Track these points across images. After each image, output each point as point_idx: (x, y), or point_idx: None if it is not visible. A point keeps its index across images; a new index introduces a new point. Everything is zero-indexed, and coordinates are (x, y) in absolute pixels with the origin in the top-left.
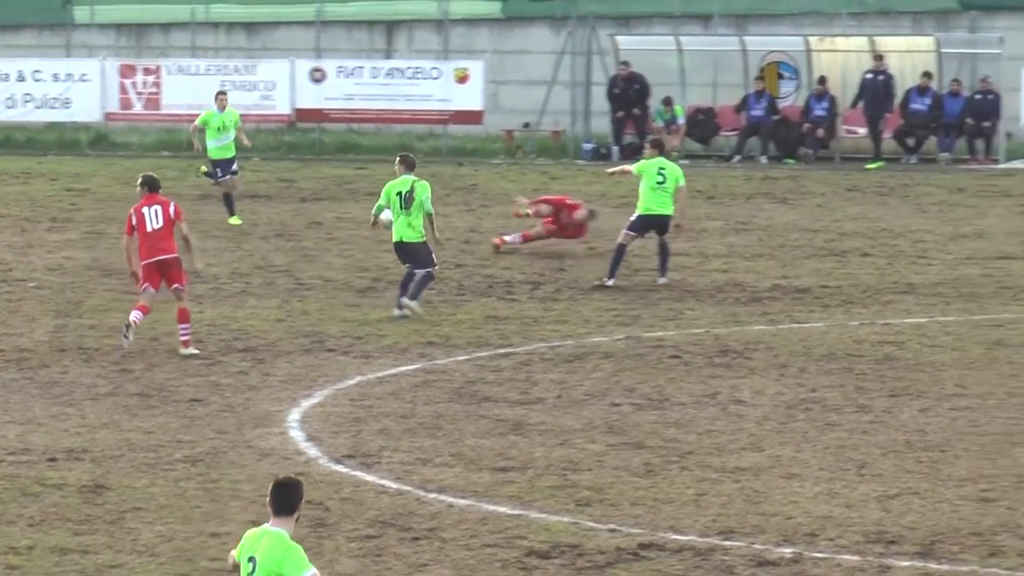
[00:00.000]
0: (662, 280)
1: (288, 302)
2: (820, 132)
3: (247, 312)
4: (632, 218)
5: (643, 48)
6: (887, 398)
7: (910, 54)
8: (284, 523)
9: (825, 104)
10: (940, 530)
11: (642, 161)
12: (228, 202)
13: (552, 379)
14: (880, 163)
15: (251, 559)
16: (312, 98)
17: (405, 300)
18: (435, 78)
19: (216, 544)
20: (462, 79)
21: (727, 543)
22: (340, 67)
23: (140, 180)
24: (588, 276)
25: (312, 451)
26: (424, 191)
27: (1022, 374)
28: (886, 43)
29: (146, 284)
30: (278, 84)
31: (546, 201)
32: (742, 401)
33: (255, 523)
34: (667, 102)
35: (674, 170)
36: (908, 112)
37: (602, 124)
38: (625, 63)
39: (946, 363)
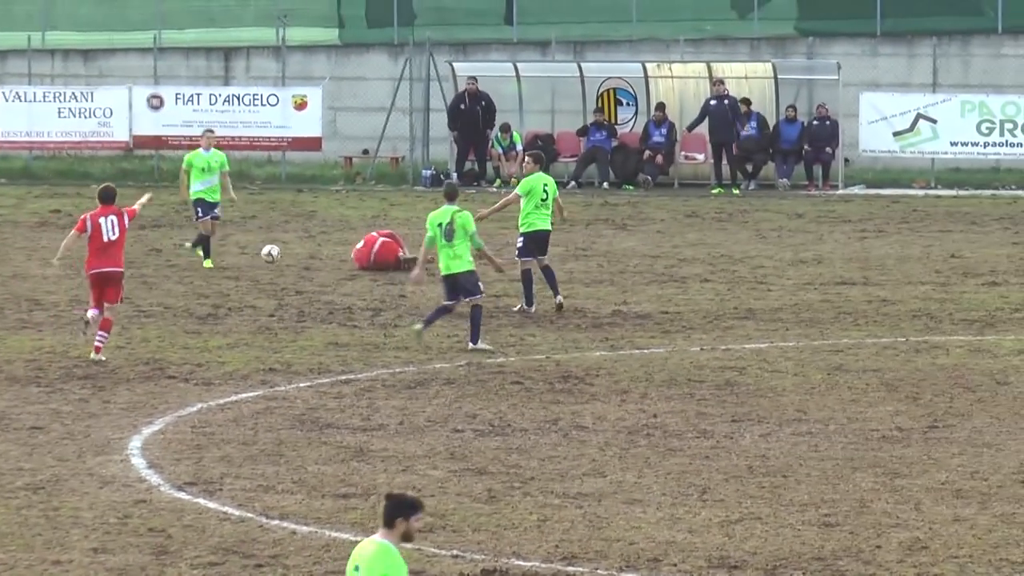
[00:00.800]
0: (559, 299)
1: (128, 329)
2: (659, 158)
3: (87, 339)
4: (519, 243)
5: (481, 74)
6: (728, 423)
7: (747, 80)
8: (388, 535)
9: (664, 130)
10: (782, 555)
11: (523, 180)
12: (203, 243)
13: (394, 405)
14: (735, 188)
15: (356, 567)
16: (150, 125)
17: (476, 346)
18: (273, 105)
19: (58, 572)
20: (300, 106)
21: (570, 569)
22: (178, 93)
23: (99, 190)
24: (428, 304)
25: (153, 478)
26: (467, 222)
27: (862, 399)
28: (724, 69)
29: (96, 309)
30: (115, 111)
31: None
32: (584, 427)
33: (96, 551)
34: (505, 129)
35: (552, 183)
36: (739, 139)
37: (441, 150)
38: (473, 79)
39: (787, 388)
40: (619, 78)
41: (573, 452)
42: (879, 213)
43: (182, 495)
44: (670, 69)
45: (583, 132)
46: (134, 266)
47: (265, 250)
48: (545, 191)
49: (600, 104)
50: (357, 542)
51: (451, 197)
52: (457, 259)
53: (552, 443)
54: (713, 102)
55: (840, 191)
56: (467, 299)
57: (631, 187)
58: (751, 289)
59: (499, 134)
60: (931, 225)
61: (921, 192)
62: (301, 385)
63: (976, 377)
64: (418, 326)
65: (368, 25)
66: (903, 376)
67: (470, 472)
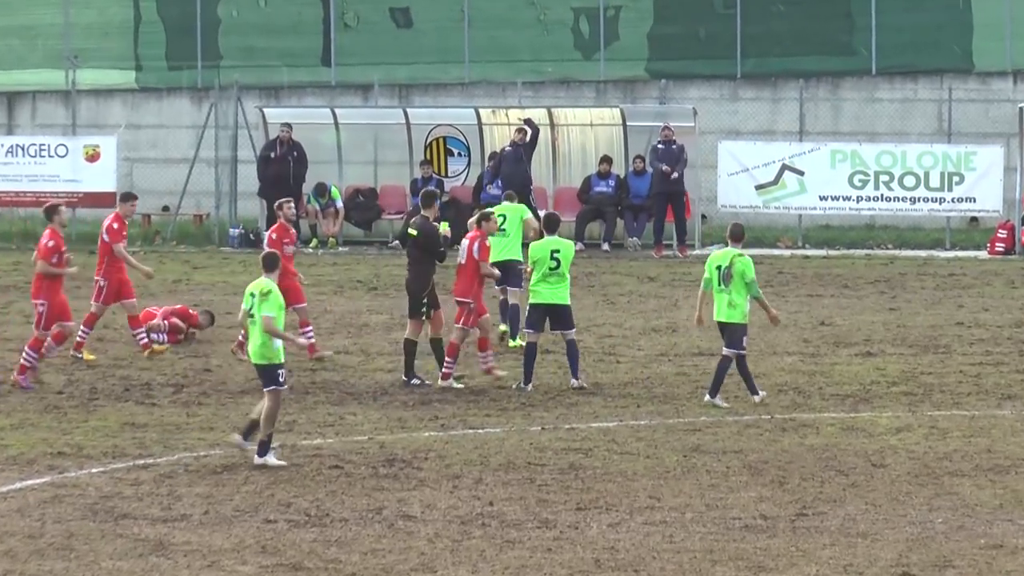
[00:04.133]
0: (576, 382)
1: None
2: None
3: None
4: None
5: (296, 121)
6: (573, 511)
7: (593, 128)
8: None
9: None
10: None
11: (531, 246)
12: None
13: (198, 493)
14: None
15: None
16: None
17: (713, 400)
18: (62, 156)
19: None
20: (92, 157)
21: None
22: None
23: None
24: (236, 379)
25: None
26: (747, 268)
27: (722, 484)
28: (567, 115)
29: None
30: None
31: (175, 313)
32: (411, 516)
33: None
34: (321, 191)
35: (566, 248)
36: (591, 195)
37: (251, 206)
38: (287, 125)
39: (638, 472)
40: (450, 125)
41: (399, 545)
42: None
43: None
44: (506, 115)
45: (415, 188)
46: None
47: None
48: (556, 258)
49: (428, 154)
50: None
51: (736, 238)
52: (731, 308)
53: (376, 535)
54: (508, 148)
55: (696, 251)
56: (728, 351)
57: None
58: (598, 361)
59: (311, 195)
60: (798, 289)
61: (787, 252)
62: (94, 471)
63: (849, 459)
64: (718, 401)
65: (168, 67)
66: (768, 458)
67: (284, 568)
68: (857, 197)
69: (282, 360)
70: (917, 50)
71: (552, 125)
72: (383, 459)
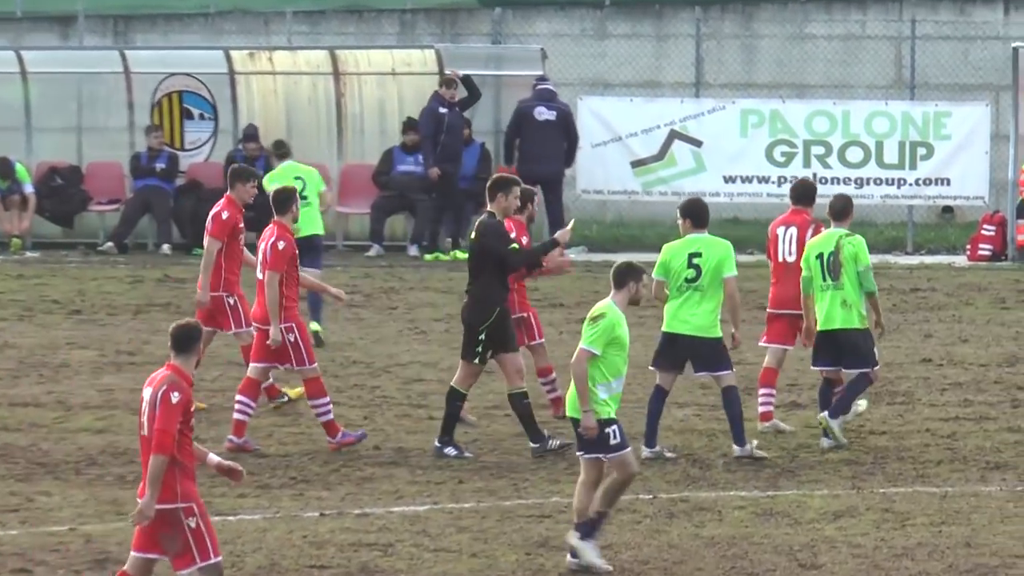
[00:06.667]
0: (744, 451)
1: None
2: None
3: None
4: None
5: None
6: None
7: (395, 77)
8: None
9: (261, 162)
10: None
11: (665, 249)
12: None
13: None
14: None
15: None
16: None
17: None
18: None
19: None
20: None
21: None
22: None
23: None
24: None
25: None
26: (860, 251)
27: None
28: (357, 59)
29: None
30: None
31: None
32: None
33: None
34: (4, 171)
35: (719, 249)
36: (394, 176)
37: None
38: None
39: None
40: (187, 75)
41: None
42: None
43: None
44: (270, 60)
45: (137, 167)
46: None
47: None
48: (695, 265)
49: (157, 117)
50: None
51: (842, 214)
52: (844, 307)
53: None
54: (443, 111)
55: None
56: (850, 370)
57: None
58: (402, 417)
59: None
60: None
61: None
62: None
63: (766, 557)
64: (836, 424)
65: None
66: (649, 556)
67: None
68: (779, 178)
69: None
70: None
71: (336, 74)
72: (89, 559)
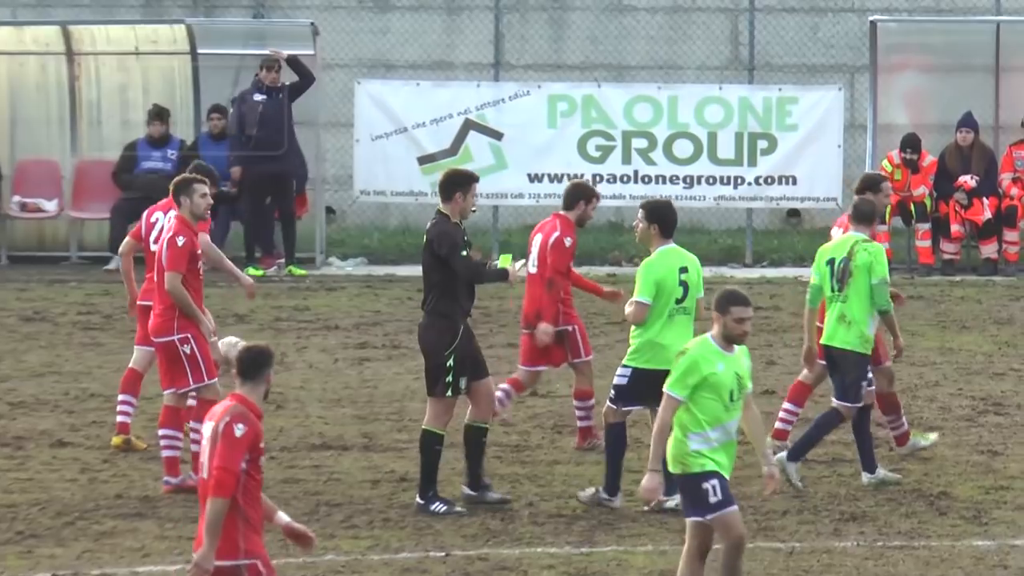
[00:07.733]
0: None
1: None
2: None
3: None
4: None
5: None
6: None
7: (138, 59)
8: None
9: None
10: None
11: (650, 267)
12: None
13: None
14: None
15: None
16: None
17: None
18: None
19: None
20: None
21: None
22: None
23: None
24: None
25: None
26: (878, 259)
27: None
28: (95, 37)
29: None
30: None
31: None
32: None
33: None
34: None
35: (695, 267)
36: (138, 175)
37: None
38: None
39: None
40: None
41: None
42: (388, 311)
43: None
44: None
45: None
46: None
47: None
48: (683, 283)
49: None
50: None
51: (866, 218)
52: (843, 324)
53: None
54: (259, 98)
55: (320, 270)
56: (836, 402)
57: None
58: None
59: None
60: (489, 338)
61: None
62: None
63: None
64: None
65: None
66: None
67: None
68: (595, 176)
69: None
70: None
71: (69, 54)
72: None
